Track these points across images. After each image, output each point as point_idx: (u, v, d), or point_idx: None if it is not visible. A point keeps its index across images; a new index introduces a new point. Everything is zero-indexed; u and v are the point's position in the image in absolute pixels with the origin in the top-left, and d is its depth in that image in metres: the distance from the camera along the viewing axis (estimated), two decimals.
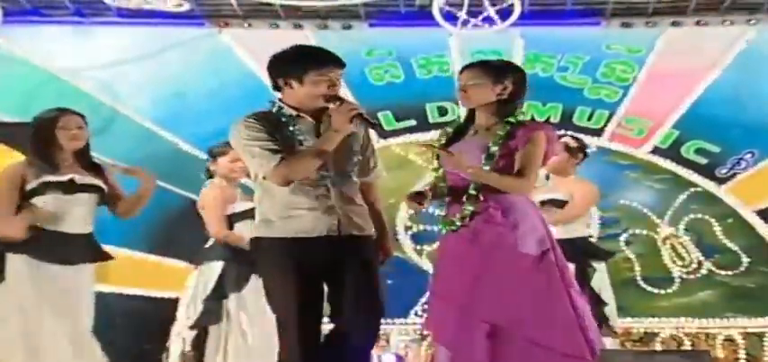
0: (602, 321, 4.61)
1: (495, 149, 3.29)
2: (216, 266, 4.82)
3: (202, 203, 4.94)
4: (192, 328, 4.92)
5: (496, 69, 3.40)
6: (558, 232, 4.15)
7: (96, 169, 4.16)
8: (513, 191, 3.31)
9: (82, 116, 4.14)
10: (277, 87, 3.20)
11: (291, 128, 3.13)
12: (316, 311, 3.12)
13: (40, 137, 4.09)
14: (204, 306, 4.79)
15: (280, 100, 3.20)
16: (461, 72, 3.45)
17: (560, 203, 4.84)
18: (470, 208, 3.27)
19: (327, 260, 3.10)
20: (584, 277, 4.60)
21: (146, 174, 4.18)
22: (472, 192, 3.29)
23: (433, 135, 6.92)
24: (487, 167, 3.27)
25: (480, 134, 3.39)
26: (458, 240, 3.32)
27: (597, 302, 4.65)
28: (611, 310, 4.90)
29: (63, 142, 4.04)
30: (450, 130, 3.53)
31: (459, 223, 3.30)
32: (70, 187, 4.02)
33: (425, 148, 3.42)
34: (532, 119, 3.83)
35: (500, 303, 3.16)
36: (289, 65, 3.15)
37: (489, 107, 3.37)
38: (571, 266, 3.89)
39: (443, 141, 3.47)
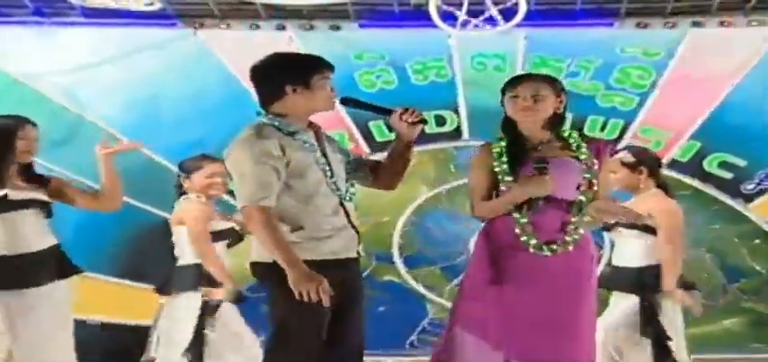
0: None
1: (589, 174, 3.33)
2: (193, 299, 4.46)
3: (181, 220, 4.57)
4: None
5: (553, 81, 3.46)
6: (623, 259, 4.15)
7: (39, 181, 3.99)
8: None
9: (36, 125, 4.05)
10: (275, 96, 3.09)
11: (298, 137, 3.07)
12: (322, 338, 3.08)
13: None
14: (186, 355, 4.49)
15: (274, 112, 3.10)
16: (521, 84, 3.39)
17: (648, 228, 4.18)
18: (581, 231, 3.31)
19: (344, 282, 3.06)
20: (652, 311, 4.06)
21: None
22: (575, 218, 3.31)
23: (430, 147, 7.08)
24: (586, 194, 3.35)
25: (547, 151, 3.36)
26: (535, 260, 3.29)
27: (661, 339, 4.07)
28: (678, 346, 4.19)
29: (19, 155, 3.90)
30: (502, 154, 3.40)
31: (570, 248, 3.27)
32: (4, 205, 3.83)
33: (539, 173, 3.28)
34: (581, 133, 3.76)
35: (574, 315, 3.28)
36: (297, 69, 3.13)
37: (545, 122, 3.37)
38: (635, 300, 4.03)
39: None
